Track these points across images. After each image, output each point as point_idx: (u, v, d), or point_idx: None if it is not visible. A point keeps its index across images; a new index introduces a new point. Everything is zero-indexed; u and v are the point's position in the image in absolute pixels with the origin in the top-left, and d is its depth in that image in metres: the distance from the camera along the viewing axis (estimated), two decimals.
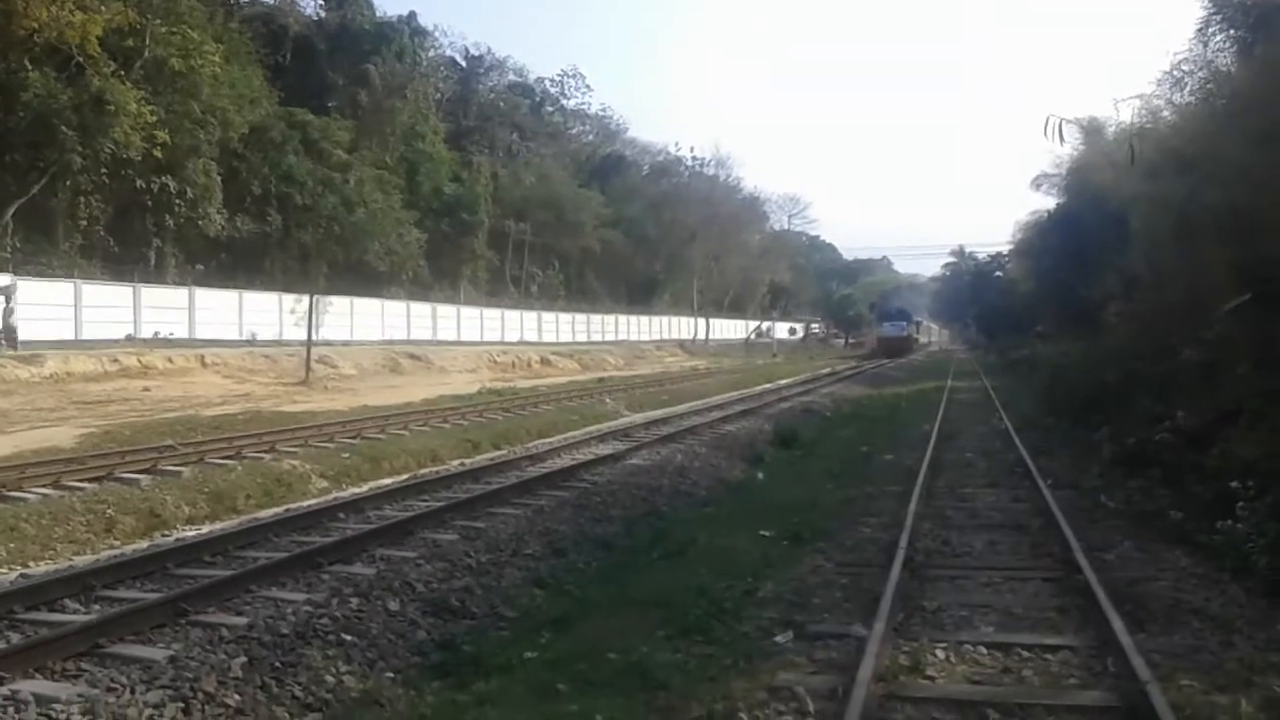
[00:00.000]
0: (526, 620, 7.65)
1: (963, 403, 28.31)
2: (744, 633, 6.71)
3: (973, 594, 7.73)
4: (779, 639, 6.51)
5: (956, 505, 11.56)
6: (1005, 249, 63.12)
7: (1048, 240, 37.51)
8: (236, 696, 5.85)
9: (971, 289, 75.89)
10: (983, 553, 9.13)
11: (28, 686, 5.93)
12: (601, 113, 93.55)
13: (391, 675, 6.44)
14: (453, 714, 5.64)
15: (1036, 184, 43.05)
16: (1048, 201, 42.58)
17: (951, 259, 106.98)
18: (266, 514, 11.79)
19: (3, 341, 23.63)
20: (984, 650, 6.27)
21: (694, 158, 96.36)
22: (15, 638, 7.05)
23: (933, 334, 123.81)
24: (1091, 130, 30.48)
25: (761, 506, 11.74)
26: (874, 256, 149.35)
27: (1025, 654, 6.20)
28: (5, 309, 23.86)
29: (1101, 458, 14.18)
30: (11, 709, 5.63)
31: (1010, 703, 5.40)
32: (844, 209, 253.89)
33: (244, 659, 6.28)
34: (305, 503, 12.60)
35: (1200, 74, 19.17)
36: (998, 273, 65.44)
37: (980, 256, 77.67)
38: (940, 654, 6.17)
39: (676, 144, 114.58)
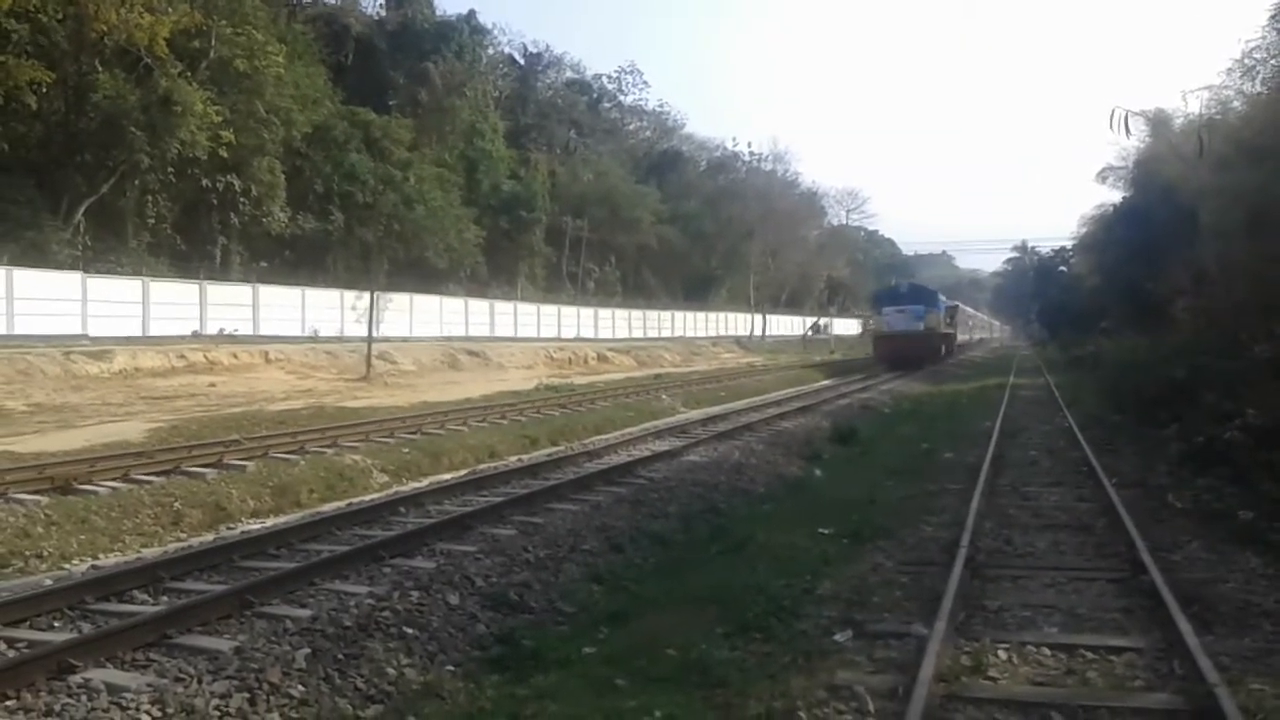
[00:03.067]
0: (584, 615, 7.68)
1: (1025, 399, 27.88)
2: (803, 631, 6.67)
3: (1036, 594, 7.61)
4: (838, 637, 6.47)
5: (1019, 504, 11.40)
6: (1069, 243, 62.05)
7: (1113, 234, 36.81)
8: (301, 687, 5.94)
9: (1034, 284, 74.21)
10: (1046, 552, 8.99)
11: (99, 675, 6.08)
12: (659, 109, 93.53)
13: (452, 668, 6.51)
14: (512, 707, 5.67)
15: (1102, 177, 42.39)
16: (1113, 195, 41.91)
17: (1014, 254, 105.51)
18: (329, 508, 11.99)
19: None
20: (1047, 651, 6.17)
21: (751, 153, 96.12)
22: (87, 627, 7.24)
23: (993, 329, 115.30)
24: (1158, 122, 29.89)
25: (820, 504, 11.67)
26: (934, 251, 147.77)
27: (1089, 655, 6.09)
28: None
29: (1168, 456, 13.90)
30: (84, 697, 5.78)
31: (1074, 705, 5.31)
32: (904, 203, 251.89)
33: (308, 650, 6.38)
34: (367, 497, 12.78)
35: (1273, 62, 18.67)
36: (1061, 268, 64.17)
37: (1043, 251, 76.13)
38: (1002, 654, 6.09)
39: (734, 139, 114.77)
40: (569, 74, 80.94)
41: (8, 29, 31.71)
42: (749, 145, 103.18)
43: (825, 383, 36.61)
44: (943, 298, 53.63)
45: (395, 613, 7.18)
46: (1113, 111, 14.28)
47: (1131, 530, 9.09)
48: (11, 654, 6.66)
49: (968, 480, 12.44)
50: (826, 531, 9.73)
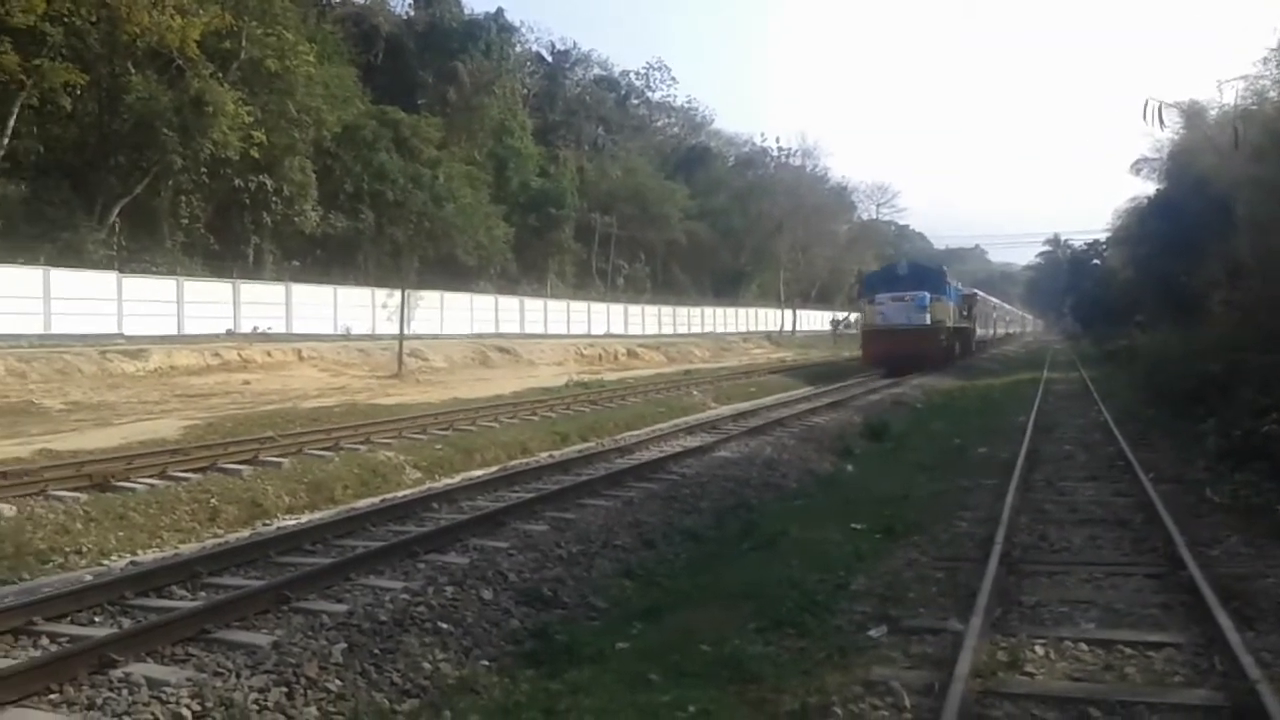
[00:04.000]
0: (617, 610, 7.70)
1: (1059, 394, 27.63)
2: (837, 626, 6.65)
3: (1072, 590, 7.55)
4: (873, 633, 6.45)
5: (1055, 499, 11.30)
6: (1102, 236, 61.44)
7: (1147, 227, 36.39)
8: (338, 682, 5.98)
9: (1068, 278, 73.48)
10: (1082, 548, 8.91)
11: (139, 670, 6.14)
12: (687, 105, 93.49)
13: (486, 663, 6.54)
14: (546, 702, 5.68)
15: (1135, 169, 41.85)
16: (1147, 187, 41.39)
17: (1047, 247, 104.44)
18: (363, 504, 12.08)
19: None
20: (1085, 647, 6.12)
21: (780, 148, 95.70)
22: (127, 622, 7.33)
23: (1026, 324, 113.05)
24: (1193, 113, 29.51)
25: (852, 499, 11.63)
26: (966, 245, 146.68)
27: (1128, 651, 6.04)
28: None
29: (1206, 451, 13.74)
30: (125, 691, 5.85)
31: (1112, 700, 5.27)
32: (935, 197, 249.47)
33: (344, 645, 6.42)
34: (400, 493, 12.86)
35: None
36: (1095, 261, 63.52)
37: (1076, 245, 75.25)
38: (1039, 650, 6.04)
39: (762, 135, 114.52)
40: (597, 71, 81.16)
41: (43, 33, 32.12)
42: (777, 140, 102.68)
43: (855, 378, 36.40)
44: (955, 283, 43.22)
45: (430, 608, 7.22)
46: (1146, 103, 14.18)
47: (1169, 525, 9.00)
48: (54, 648, 6.75)
49: (1002, 475, 12.35)
50: (859, 527, 9.69)
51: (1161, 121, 16.13)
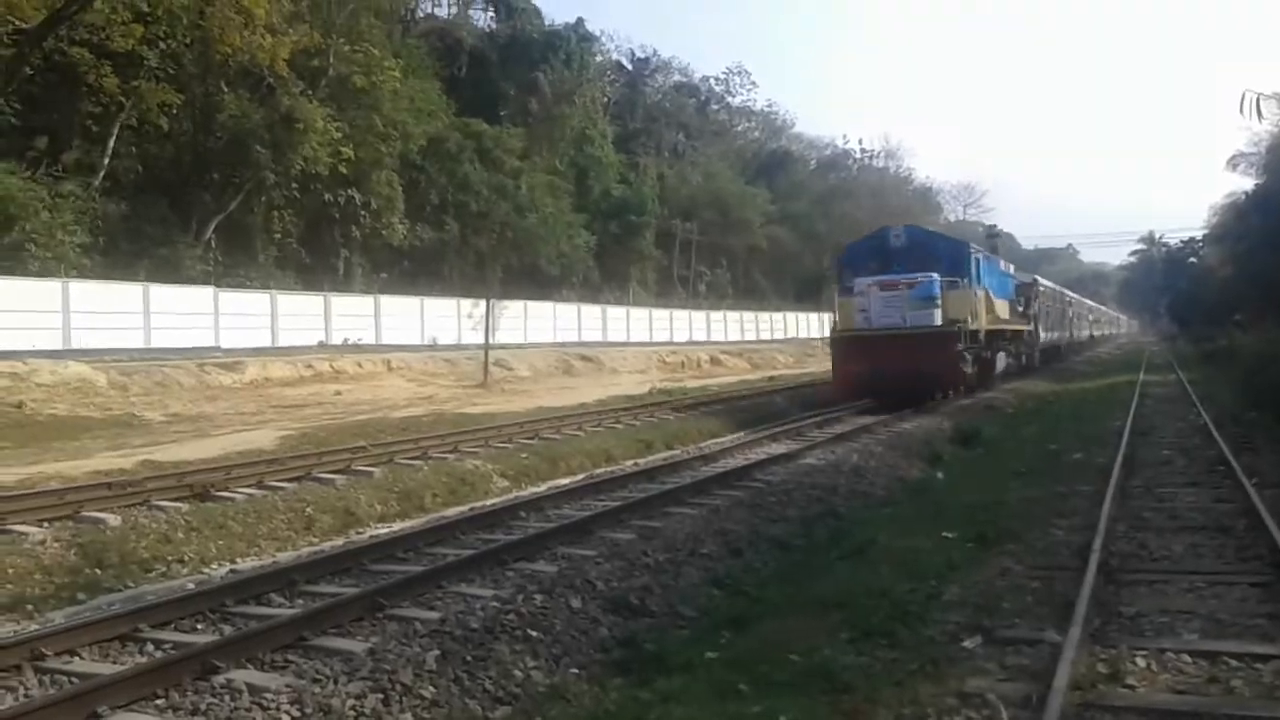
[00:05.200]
0: (705, 619, 7.68)
1: (1156, 397, 26.83)
2: (930, 636, 6.53)
3: (1174, 599, 7.31)
4: (967, 644, 6.32)
5: (1154, 506, 10.96)
6: (1199, 234, 59.62)
7: (1246, 223, 35.24)
8: (432, 689, 6.08)
9: (1163, 277, 71.43)
10: (1183, 556, 8.62)
11: (241, 676, 6.32)
12: (767, 109, 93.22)
13: (576, 671, 6.58)
14: (636, 711, 5.69)
15: (1233, 164, 40.61)
16: (1245, 182, 40.13)
17: (1141, 246, 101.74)
18: (452, 512, 12.25)
19: None
20: (1188, 658, 5.92)
21: (863, 150, 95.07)
22: (228, 629, 7.54)
23: (1120, 325, 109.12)
24: None
25: (943, 507, 11.42)
26: (1057, 245, 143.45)
27: (1233, 663, 5.82)
28: None
29: None
30: (227, 697, 6.02)
31: (1219, 714, 5.07)
32: (1024, 196, 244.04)
33: (437, 652, 6.51)
34: (488, 502, 13.02)
35: None
36: (1191, 259, 61.70)
37: (1172, 243, 73.10)
38: (1140, 662, 5.86)
39: (844, 137, 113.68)
40: (676, 77, 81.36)
41: (141, 56, 33.30)
42: (860, 142, 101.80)
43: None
44: (1000, 262, 31.28)
45: (520, 615, 7.29)
46: (1243, 95, 13.70)
47: (1275, 532, 8.65)
48: (159, 655, 6.99)
49: (1098, 482, 12.03)
50: (951, 535, 9.51)
51: (1260, 114, 15.58)
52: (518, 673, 6.43)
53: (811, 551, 9.76)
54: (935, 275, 23.19)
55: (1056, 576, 7.79)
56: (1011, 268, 35.31)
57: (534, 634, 7.04)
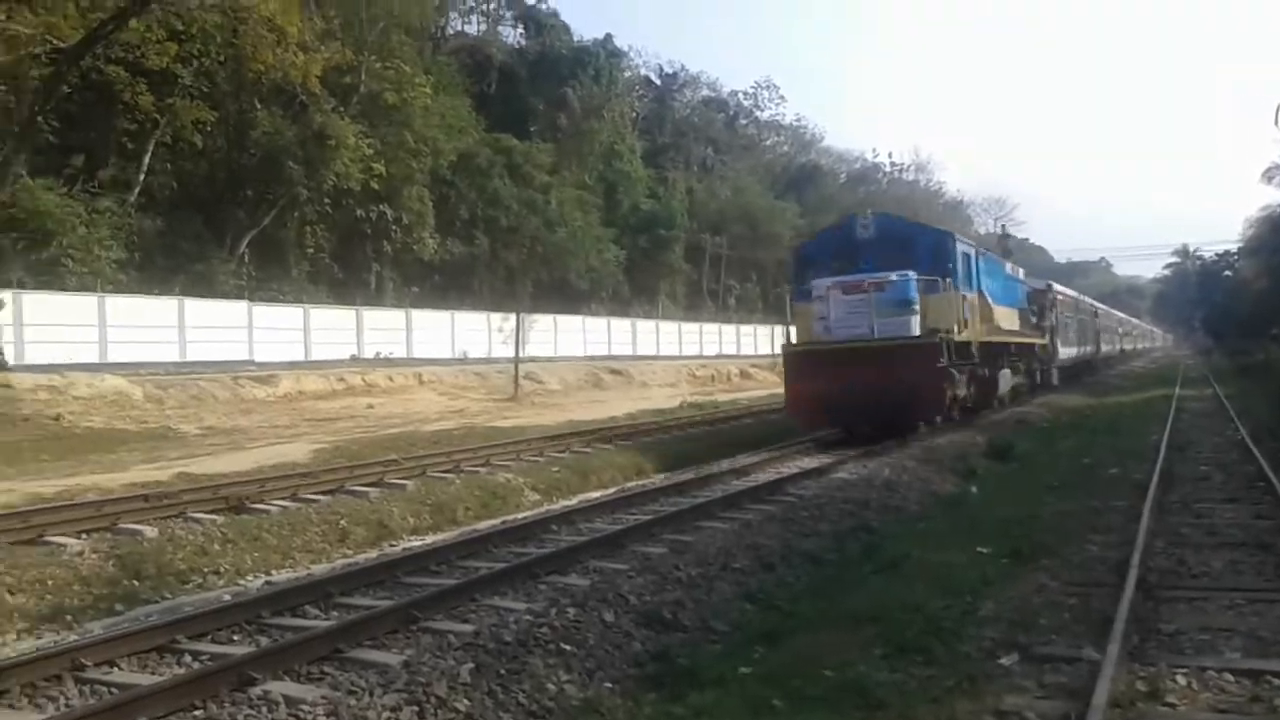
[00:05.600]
0: (738, 634, 7.65)
1: (1193, 411, 26.52)
2: (965, 653, 6.47)
3: (1214, 616, 7.20)
4: (1004, 661, 6.26)
5: (1192, 521, 10.83)
6: (1234, 247, 58.96)
7: None
8: (466, 701, 6.08)
9: (1198, 290, 70.58)
10: (1223, 573, 8.50)
11: (277, 687, 6.35)
12: (796, 123, 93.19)
13: (610, 685, 6.57)
14: None
15: (1268, 177, 40.21)
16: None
17: (1175, 259, 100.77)
18: (484, 525, 12.31)
19: None
20: (1230, 677, 5.82)
21: (892, 163, 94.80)
22: (264, 641, 7.59)
23: (1155, 339, 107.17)
24: None
25: (977, 521, 11.33)
26: (1089, 259, 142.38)
27: (1276, 682, 5.72)
28: None
29: None
30: (264, 708, 6.05)
31: None
32: (1056, 210, 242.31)
33: (471, 665, 6.52)
34: (519, 515, 13.06)
35: None
36: (1226, 272, 61.00)
37: (1206, 256, 72.24)
38: (1180, 680, 5.78)
39: (874, 150, 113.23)
40: (705, 92, 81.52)
41: (175, 74, 33.79)
42: (889, 156, 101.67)
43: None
44: (988, 256, 24.77)
45: (553, 629, 7.29)
46: (1279, 109, 13.53)
47: None
48: (196, 666, 7.05)
49: (1135, 497, 11.90)
50: (985, 550, 9.44)
51: None
52: (551, 686, 6.42)
53: (844, 566, 9.70)
54: (911, 274, 18.82)
55: (1094, 593, 7.71)
56: (1021, 272, 30.98)
57: (567, 647, 7.03)
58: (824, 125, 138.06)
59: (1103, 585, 7.88)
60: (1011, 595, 7.79)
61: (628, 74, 67.59)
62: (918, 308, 18.69)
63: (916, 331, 18.57)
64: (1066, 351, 36.85)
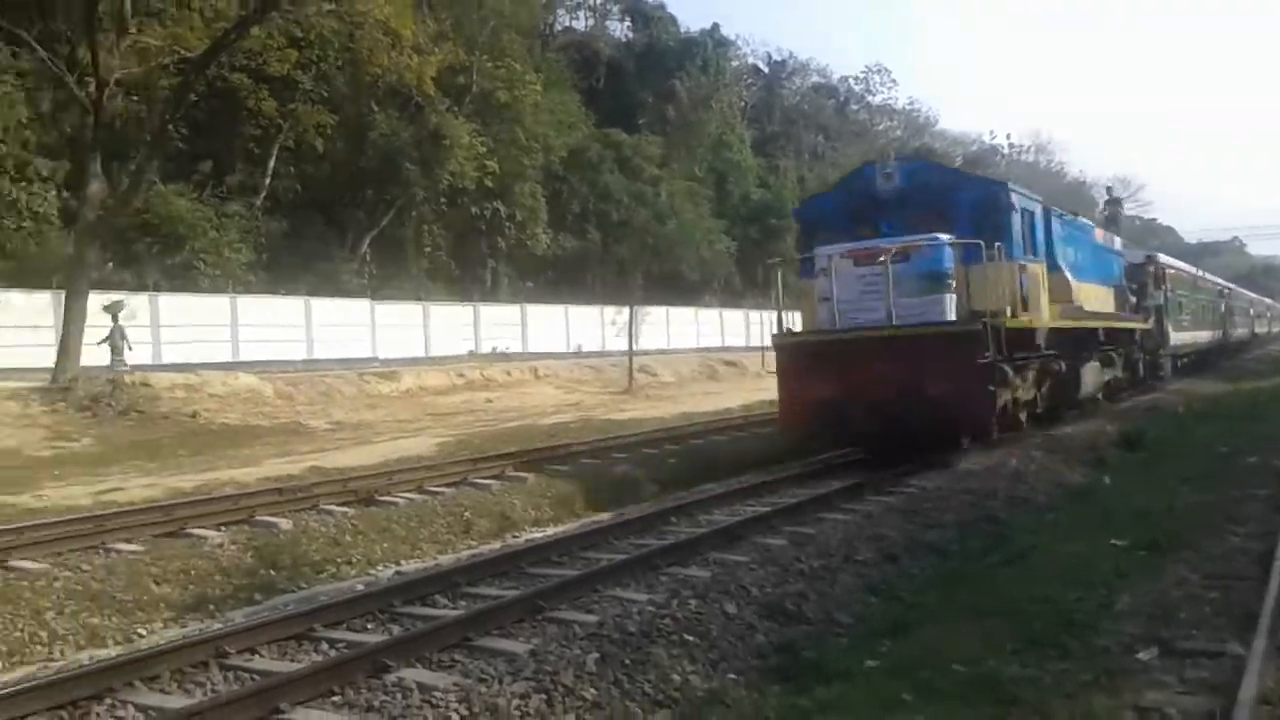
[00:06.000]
0: (863, 627, 7.57)
1: None
2: (1101, 647, 6.28)
3: None
4: (1142, 655, 6.06)
5: None
6: None
7: None
8: (593, 690, 6.16)
9: None
10: None
11: (410, 674, 6.55)
12: (909, 107, 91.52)
13: (734, 676, 6.58)
14: (796, 718, 5.66)
15: None
16: None
17: None
18: (604, 517, 12.40)
19: (116, 366, 24.47)
20: None
21: (1011, 145, 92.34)
22: (396, 629, 7.82)
23: None
24: None
25: (1109, 512, 10.96)
26: (1221, 239, 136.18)
27: None
28: (114, 328, 24.78)
29: None
30: (399, 695, 6.24)
31: None
32: (1185, 188, 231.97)
33: (596, 655, 6.61)
34: (637, 507, 13.12)
35: None
36: None
37: None
38: None
39: (991, 133, 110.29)
40: (814, 78, 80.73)
41: (295, 80, 34.97)
42: (1008, 137, 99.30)
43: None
44: (1062, 216, 19.35)
45: (675, 620, 7.33)
46: None
47: None
48: (333, 653, 7.30)
49: (1275, 485, 11.37)
50: (1120, 543, 9.13)
51: None
52: (676, 676, 6.46)
53: (969, 558, 9.50)
54: (943, 238, 14.49)
55: (1235, 586, 7.41)
56: (1117, 241, 25.17)
57: (690, 638, 7.07)
58: (938, 110, 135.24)
59: (1245, 578, 7.56)
60: (1148, 588, 7.54)
61: (735, 63, 67.37)
62: (953, 282, 14.47)
63: (951, 315, 14.39)
64: (1181, 336, 31.56)
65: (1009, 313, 14.87)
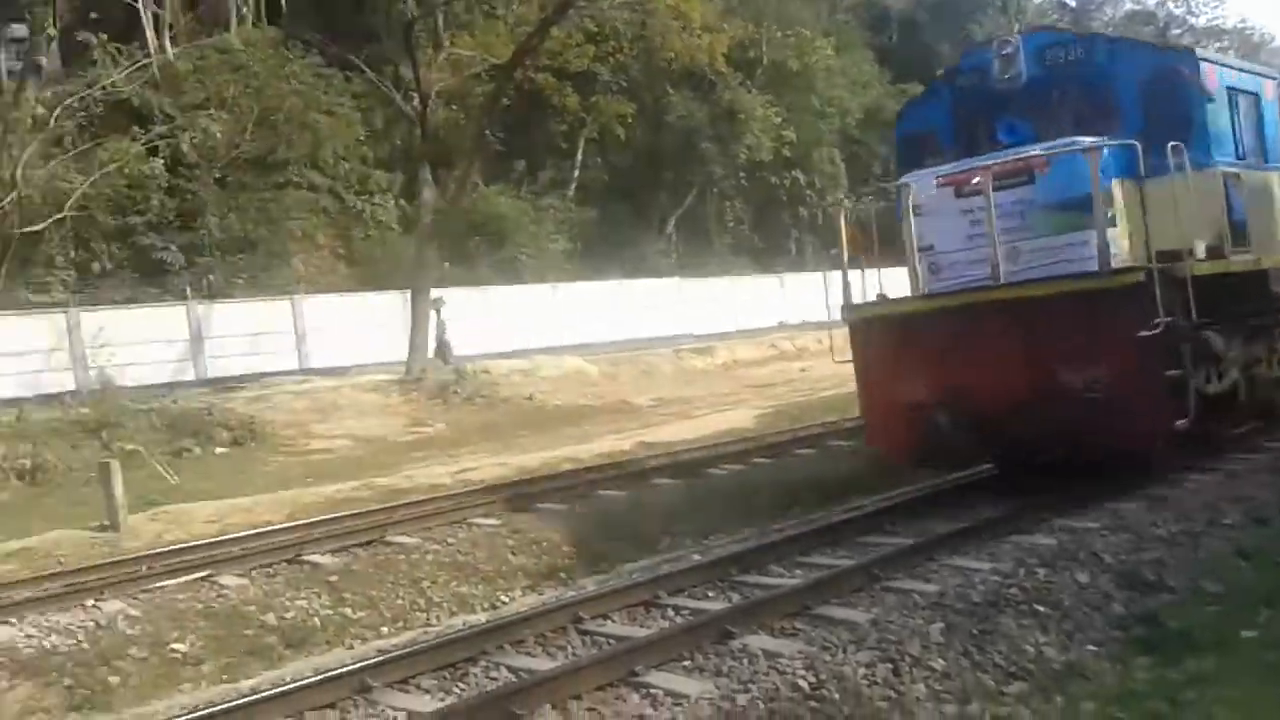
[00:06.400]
0: (1235, 596, 6.96)
1: None
2: None
3: None
4: None
5: None
6: None
7: None
8: (941, 661, 6.05)
9: None
10: None
11: (754, 641, 6.74)
12: (1240, 26, 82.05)
13: (1092, 648, 6.26)
14: (1168, 691, 5.31)
15: None
16: None
17: None
18: (939, 481, 12.00)
19: (441, 356, 25.55)
20: None
21: None
22: (736, 598, 8.03)
23: None
24: None
25: None
26: None
27: None
28: (438, 323, 25.79)
29: None
30: (745, 660, 6.43)
31: None
32: None
33: (941, 625, 6.49)
34: (970, 472, 12.65)
35: None
36: None
37: None
38: None
39: None
40: (1129, 5, 74.10)
41: (594, 73, 36.42)
42: None
43: None
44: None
45: (1023, 590, 7.04)
46: None
47: None
48: (679, 620, 7.62)
49: None
50: None
51: None
52: (1028, 648, 6.21)
53: None
54: (1085, 141, 9.26)
55: None
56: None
57: (1040, 609, 6.78)
58: (1274, 26, 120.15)
59: None
60: None
61: (1038, 1, 63.12)
62: (1110, 210, 9.32)
63: (1108, 260, 9.08)
64: None
65: (1207, 249, 9.84)
